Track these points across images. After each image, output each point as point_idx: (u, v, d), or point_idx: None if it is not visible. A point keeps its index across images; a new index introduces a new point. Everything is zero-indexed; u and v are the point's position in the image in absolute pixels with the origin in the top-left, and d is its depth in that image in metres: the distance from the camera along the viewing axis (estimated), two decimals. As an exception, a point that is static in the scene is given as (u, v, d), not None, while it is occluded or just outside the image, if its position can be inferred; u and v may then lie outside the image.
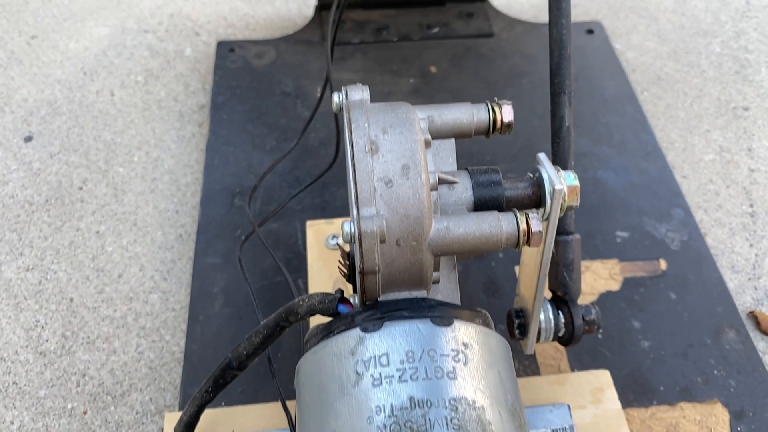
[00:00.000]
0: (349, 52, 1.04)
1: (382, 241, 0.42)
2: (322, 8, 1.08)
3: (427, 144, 0.45)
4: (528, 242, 0.44)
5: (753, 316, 0.78)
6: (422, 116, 0.49)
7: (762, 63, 1.09)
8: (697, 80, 1.07)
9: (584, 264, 0.78)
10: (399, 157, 0.43)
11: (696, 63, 1.10)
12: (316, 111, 0.78)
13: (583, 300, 0.74)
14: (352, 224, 0.41)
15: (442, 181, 0.48)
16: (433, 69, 1.02)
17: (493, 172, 0.49)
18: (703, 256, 0.80)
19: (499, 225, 0.43)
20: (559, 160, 0.57)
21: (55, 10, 1.17)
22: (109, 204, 0.88)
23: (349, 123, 0.45)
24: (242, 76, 1.00)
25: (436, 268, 0.46)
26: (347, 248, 0.50)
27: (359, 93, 0.48)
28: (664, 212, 0.84)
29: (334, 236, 0.75)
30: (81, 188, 0.90)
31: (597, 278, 0.77)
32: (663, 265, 0.79)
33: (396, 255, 0.43)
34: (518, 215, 0.44)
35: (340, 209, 0.83)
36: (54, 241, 0.84)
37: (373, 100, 0.48)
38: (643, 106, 1.01)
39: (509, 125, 0.51)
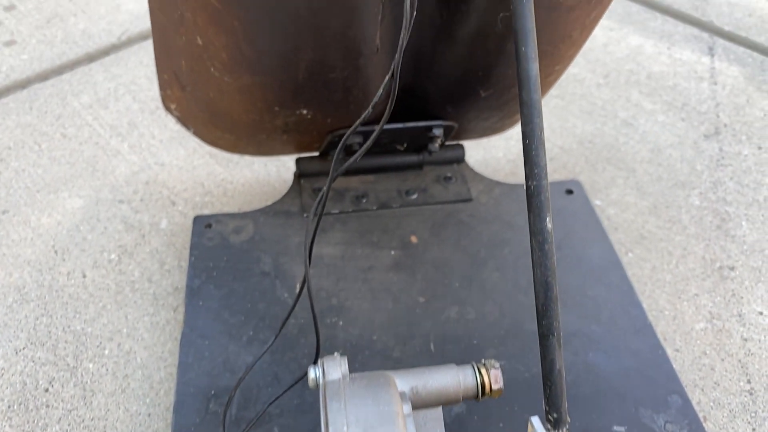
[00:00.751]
0: (329, 222, 1.02)
1: None
2: (301, 176, 1.07)
3: (412, 441, 0.42)
4: None
5: None
6: (406, 388, 0.46)
7: (742, 216, 1.10)
8: (680, 238, 1.06)
9: (583, 468, 0.73)
10: (382, 470, 0.39)
11: (677, 218, 1.09)
12: (295, 306, 0.75)
13: None
14: None
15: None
16: (413, 239, 1.00)
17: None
18: (707, 451, 0.76)
19: None
20: (552, 406, 0.54)
21: (29, 180, 1.15)
22: (77, 408, 0.83)
23: (326, 424, 0.41)
24: (219, 256, 0.97)
25: None
26: None
27: (337, 370, 0.45)
28: (661, 400, 0.80)
29: (315, 458, 0.70)
30: (47, 390, 0.85)
31: (597, 485, 0.73)
32: (665, 465, 0.74)
33: None
34: None
35: (322, 411, 0.78)
36: (14, 457, 0.78)
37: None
38: (628, 270, 0.99)
39: (499, 390, 0.48)
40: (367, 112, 0.64)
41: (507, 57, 0.73)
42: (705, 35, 1.54)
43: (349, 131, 0.65)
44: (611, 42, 1.52)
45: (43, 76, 1.40)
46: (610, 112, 1.32)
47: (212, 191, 1.14)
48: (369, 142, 0.68)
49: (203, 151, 1.21)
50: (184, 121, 1.01)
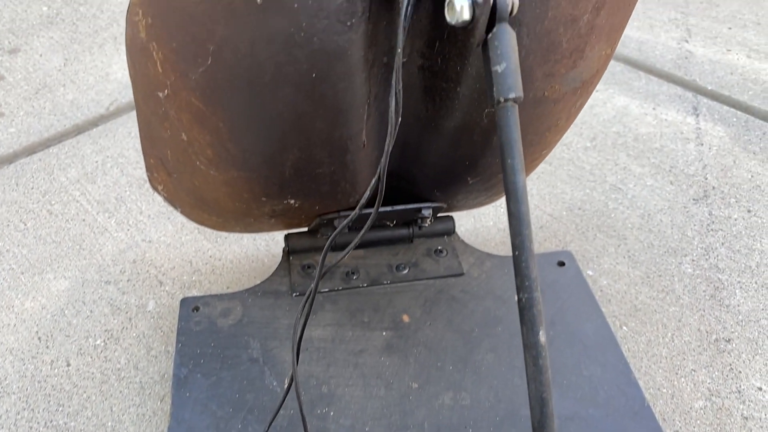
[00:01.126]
0: (319, 302, 1.01)
1: None
2: (290, 253, 1.06)
3: None
4: None
5: None
6: None
7: (735, 284, 1.09)
8: (674, 308, 1.05)
9: None
10: None
11: (670, 288, 1.08)
12: (283, 403, 0.74)
13: None
14: None
15: None
16: (405, 318, 0.99)
17: None
18: None
19: None
20: None
21: (13, 261, 1.13)
22: None
23: None
24: (207, 341, 0.95)
25: None
26: None
27: None
28: (663, 490, 0.78)
29: None
30: (27, 492, 0.82)
31: None
32: None
33: None
34: None
35: None
36: None
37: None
38: (623, 345, 0.98)
39: None
40: (354, 213, 0.64)
41: (493, 149, 0.73)
42: (689, 94, 1.56)
43: (334, 233, 0.64)
44: (597, 103, 1.53)
45: (30, 150, 1.39)
46: (598, 177, 1.32)
47: (200, 269, 1.12)
48: (357, 240, 0.67)
49: (191, 227, 1.20)
50: (172, 202, 1.00)
